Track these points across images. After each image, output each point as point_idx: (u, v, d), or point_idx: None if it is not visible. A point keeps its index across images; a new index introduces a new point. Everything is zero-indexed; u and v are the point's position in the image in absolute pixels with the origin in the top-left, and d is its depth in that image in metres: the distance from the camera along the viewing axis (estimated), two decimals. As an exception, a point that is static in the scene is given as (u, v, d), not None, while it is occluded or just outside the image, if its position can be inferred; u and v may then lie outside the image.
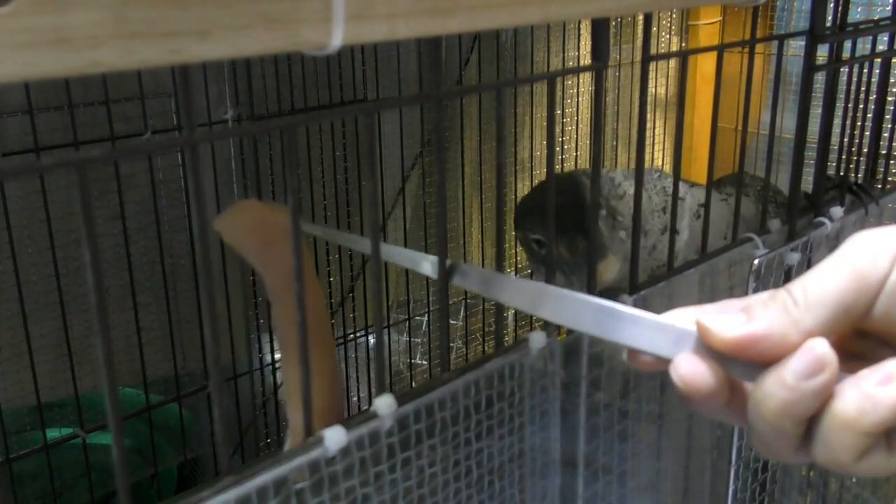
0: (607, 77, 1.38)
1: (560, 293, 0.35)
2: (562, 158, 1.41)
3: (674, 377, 0.31)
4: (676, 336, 0.32)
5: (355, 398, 1.25)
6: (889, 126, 0.67)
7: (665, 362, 0.32)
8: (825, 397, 0.29)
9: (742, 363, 0.31)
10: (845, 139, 0.65)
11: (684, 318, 0.33)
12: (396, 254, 0.42)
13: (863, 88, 0.66)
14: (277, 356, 1.14)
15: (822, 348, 0.29)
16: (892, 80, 0.66)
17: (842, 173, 0.64)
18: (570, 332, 0.45)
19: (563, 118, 1.41)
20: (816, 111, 0.57)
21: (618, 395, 0.49)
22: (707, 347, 0.31)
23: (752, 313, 0.31)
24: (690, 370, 0.31)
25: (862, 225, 0.63)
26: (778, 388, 0.29)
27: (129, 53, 0.25)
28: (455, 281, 0.39)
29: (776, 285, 0.56)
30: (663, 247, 0.74)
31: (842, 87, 0.64)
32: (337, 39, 0.29)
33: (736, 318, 0.31)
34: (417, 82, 1.20)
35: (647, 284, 0.49)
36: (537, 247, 0.75)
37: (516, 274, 1.43)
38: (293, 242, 0.33)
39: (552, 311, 0.35)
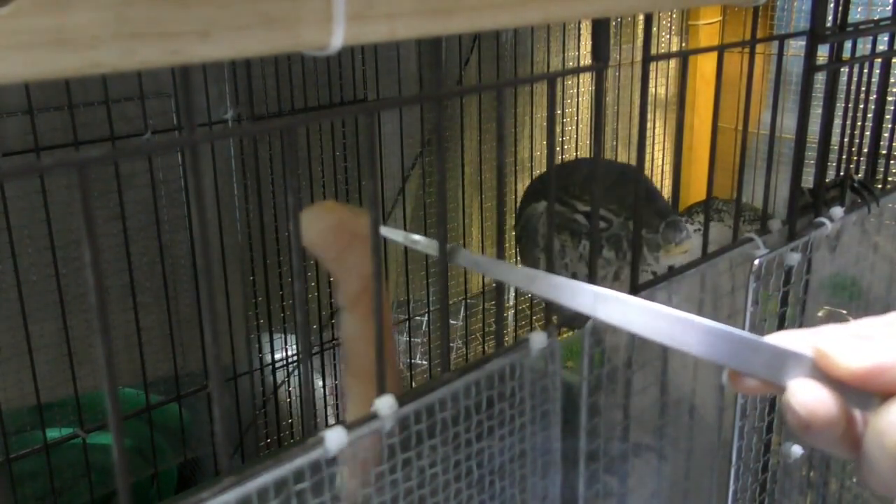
0: (607, 77, 1.37)
1: (656, 308, 0.34)
2: (562, 158, 1.41)
3: (793, 403, 0.30)
4: (786, 359, 0.31)
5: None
6: (889, 126, 0.67)
7: (772, 387, 0.31)
8: None
9: (858, 392, 0.30)
10: (845, 139, 0.65)
11: (788, 340, 0.31)
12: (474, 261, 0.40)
13: (863, 88, 0.66)
14: (278, 356, 1.14)
15: None
16: (892, 80, 0.66)
17: (843, 172, 0.64)
18: (570, 331, 0.45)
19: (563, 118, 1.41)
20: (816, 111, 0.57)
21: (619, 394, 0.49)
22: (822, 374, 0.30)
23: (875, 341, 0.30)
24: (813, 397, 0.30)
25: (862, 225, 0.63)
26: None
27: (130, 54, 0.25)
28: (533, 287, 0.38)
29: (776, 286, 0.56)
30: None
31: (842, 87, 0.64)
32: (337, 40, 0.29)
33: (859, 346, 0.30)
34: (417, 82, 1.20)
35: (649, 284, 0.49)
36: (583, 220, 0.72)
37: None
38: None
39: (644, 325, 0.34)
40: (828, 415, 0.29)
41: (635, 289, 0.48)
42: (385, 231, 0.44)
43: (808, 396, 0.30)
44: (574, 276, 0.75)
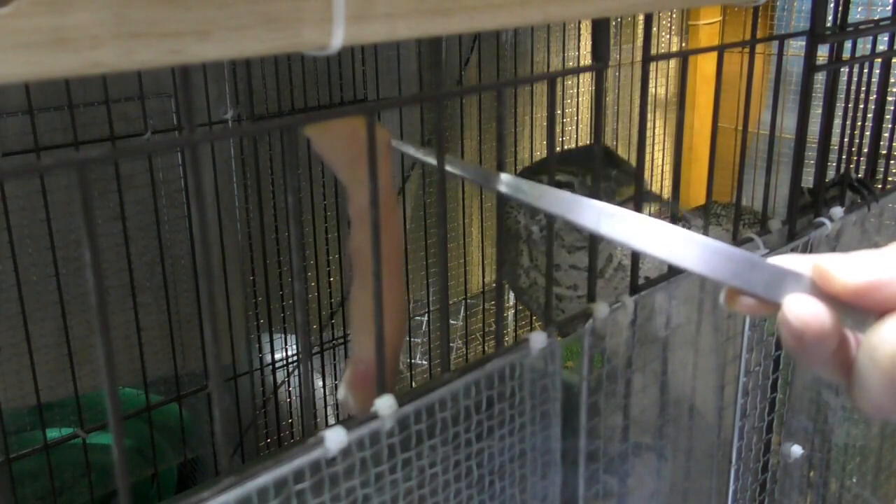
0: (607, 77, 1.37)
1: (657, 224, 0.34)
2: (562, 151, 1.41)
3: (789, 316, 0.30)
4: (784, 277, 0.31)
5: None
6: (889, 126, 0.67)
7: (769, 306, 0.31)
8: None
9: (854, 311, 0.30)
10: (845, 139, 0.65)
11: (787, 261, 0.32)
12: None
13: (863, 88, 0.66)
14: (278, 356, 1.14)
15: None
16: (892, 80, 0.66)
17: (842, 172, 0.64)
18: (570, 333, 0.45)
19: (563, 118, 1.41)
20: (816, 111, 0.57)
21: (619, 394, 0.49)
22: (820, 292, 0.30)
23: (872, 261, 0.30)
24: (808, 310, 0.30)
25: (862, 225, 0.63)
26: None
27: (130, 54, 0.25)
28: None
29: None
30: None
31: (842, 87, 0.64)
32: (337, 40, 0.29)
33: (858, 263, 0.30)
34: (417, 82, 1.20)
35: (648, 285, 0.49)
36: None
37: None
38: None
39: (645, 241, 0.34)
40: (821, 327, 0.30)
41: (635, 289, 0.48)
42: (396, 143, 0.44)
43: (802, 309, 0.30)
44: (558, 267, 0.76)
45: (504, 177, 0.40)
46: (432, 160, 0.41)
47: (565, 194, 0.37)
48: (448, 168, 0.40)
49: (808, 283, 0.31)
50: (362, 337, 0.40)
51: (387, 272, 0.36)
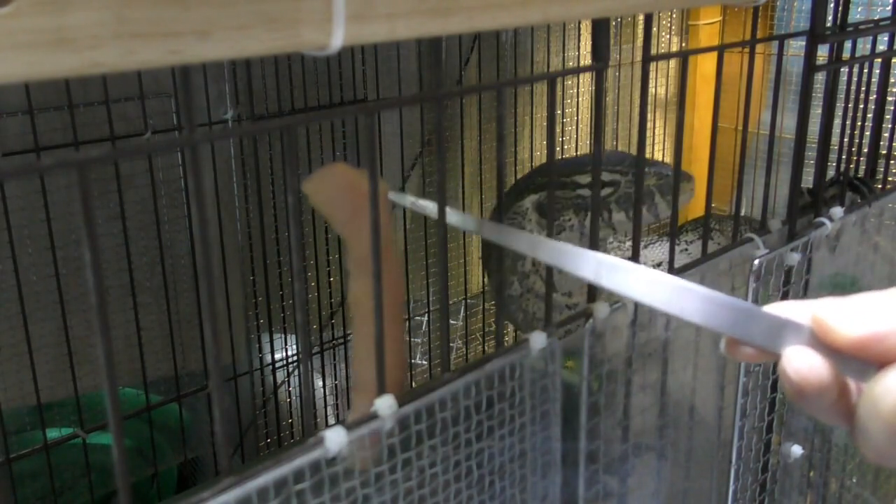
0: (607, 77, 1.38)
1: (656, 275, 0.34)
2: (562, 158, 1.41)
3: (788, 370, 0.30)
4: (784, 328, 0.31)
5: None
6: (889, 126, 0.67)
7: (768, 355, 0.31)
8: None
9: (854, 361, 0.30)
10: (845, 139, 0.65)
11: (787, 310, 0.32)
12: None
13: (863, 88, 0.66)
14: (278, 356, 1.14)
15: None
16: (892, 80, 0.66)
17: (841, 171, 0.64)
18: (569, 332, 0.45)
19: (563, 118, 1.41)
20: (816, 111, 0.57)
21: (619, 394, 0.49)
22: (820, 343, 0.30)
23: (873, 311, 0.30)
24: (806, 364, 0.30)
25: (862, 225, 0.63)
26: None
27: (130, 54, 0.25)
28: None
29: (776, 286, 0.56)
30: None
31: (842, 87, 0.64)
32: (337, 40, 0.29)
33: (856, 315, 0.30)
34: (417, 82, 1.20)
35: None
36: (587, 193, 0.72)
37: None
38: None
39: (644, 292, 0.34)
40: (820, 381, 0.30)
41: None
42: (393, 196, 0.44)
43: (800, 363, 0.30)
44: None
45: (499, 227, 0.41)
46: (430, 212, 0.42)
47: (563, 245, 0.37)
48: (449, 219, 0.40)
49: (808, 333, 0.31)
50: (364, 398, 0.39)
51: (386, 320, 0.36)
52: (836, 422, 0.32)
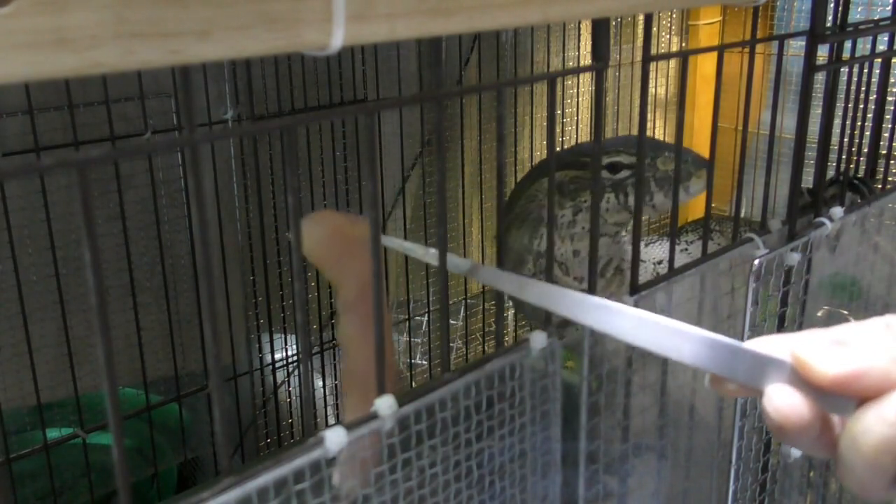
0: (607, 77, 1.38)
1: (642, 315, 0.35)
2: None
3: (768, 408, 0.31)
4: (766, 365, 0.32)
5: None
6: (889, 126, 0.67)
7: (751, 391, 0.32)
8: None
9: (835, 398, 0.30)
10: (845, 139, 0.65)
11: (769, 345, 0.32)
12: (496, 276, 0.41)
13: (863, 88, 0.66)
14: (278, 356, 1.14)
15: None
16: (892, 80, 0.66)
17: (841, 171, 0.64)
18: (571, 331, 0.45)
19: (563, 118, 1.41)
20: (816, 111, 0.57)
21: (619, 394, 0.49)
22: (801, 379, 0.31)
23: (852, 347, 0.30)
24: (787, 403, 0.30)
25: (862, 225, 0.63)
26: (878, 423, 0.29)
27: (130, 54, 0.25)
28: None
29: (776, 286, 0.56)
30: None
31: (842, 87, 0.64)
32: (337, 40, 0.29)
33: (836, 353, 0.30)
34: (417, 82, 1.20)
35: (648, 285, 0.49)
36: (610, 172, 0.73)
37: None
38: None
39: (630, 333, 0.35)
40: (800, 420, 0.30)
41: (635, 289, 0.48)
42: (384, 240, 0.45)
43: (781, 402, 0.31)
44: (577, 253, 0.76)
45: (487, 269, 0.41)
46: (420, 255, 0.43)
47: (549, 287, 0.38)
48: (449, 264, 0.41)
49: (789, 370, 0.31)
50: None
51: (372, 359, 0.37)
52: (820, 454, 0.32)
